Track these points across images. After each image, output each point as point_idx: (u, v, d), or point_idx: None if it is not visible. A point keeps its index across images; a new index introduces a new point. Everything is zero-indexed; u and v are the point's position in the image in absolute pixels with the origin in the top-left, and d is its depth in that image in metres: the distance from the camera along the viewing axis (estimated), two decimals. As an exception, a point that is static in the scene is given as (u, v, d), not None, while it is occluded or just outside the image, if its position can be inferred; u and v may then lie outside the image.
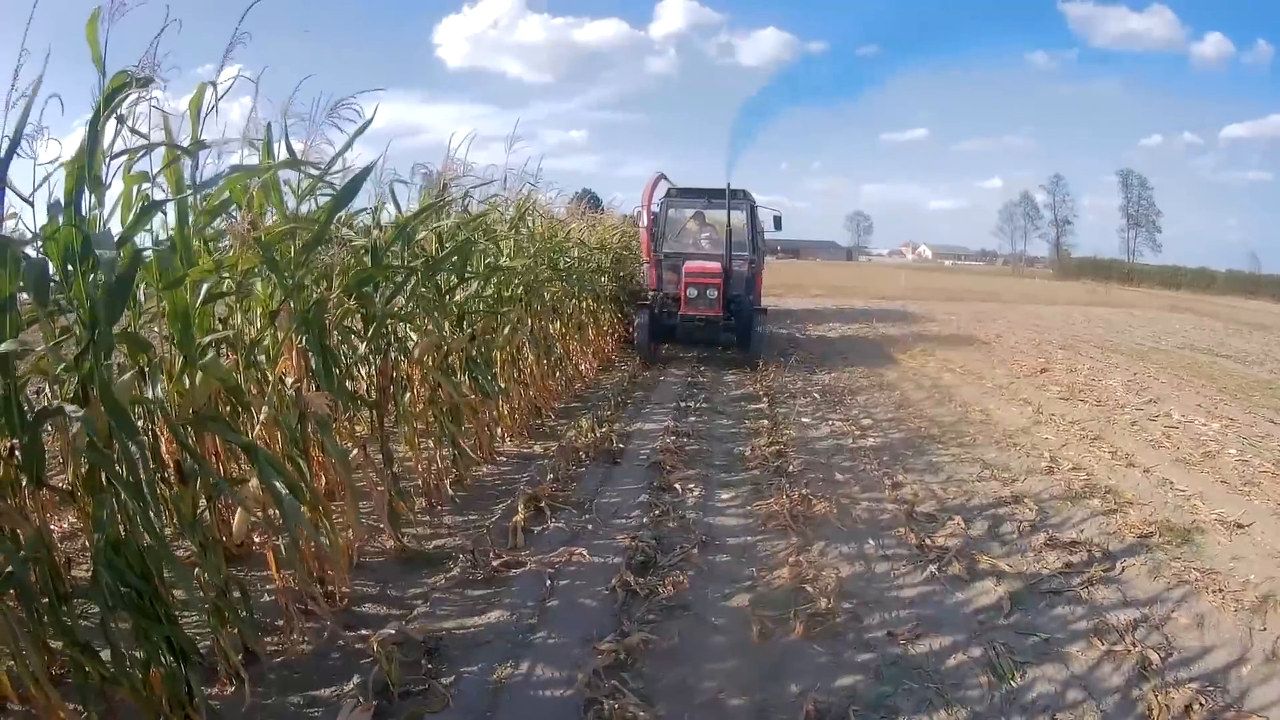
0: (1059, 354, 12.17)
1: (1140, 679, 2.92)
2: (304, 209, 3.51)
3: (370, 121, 3.35)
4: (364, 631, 3.06)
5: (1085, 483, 5.19)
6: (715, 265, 9.90)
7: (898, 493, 4.97)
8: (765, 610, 3.37)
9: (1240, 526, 4.43)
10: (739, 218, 10.52)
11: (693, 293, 9.77)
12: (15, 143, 2.13)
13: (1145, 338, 16.06)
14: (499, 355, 6.16)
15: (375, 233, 4.08)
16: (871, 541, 4.22)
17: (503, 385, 6.02)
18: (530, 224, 6.90)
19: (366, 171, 3.59)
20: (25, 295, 2.21)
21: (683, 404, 7.80)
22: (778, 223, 11.80)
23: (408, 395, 4.64)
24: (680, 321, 9.88)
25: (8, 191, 2.25)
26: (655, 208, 10.74)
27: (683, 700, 2.74)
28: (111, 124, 2.44)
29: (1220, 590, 3.61)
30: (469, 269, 5.25)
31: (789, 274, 36.88)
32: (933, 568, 3.86)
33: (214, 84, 2.80)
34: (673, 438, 6.17)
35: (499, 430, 5.94)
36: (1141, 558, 3.99)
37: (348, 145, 3.33)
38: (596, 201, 15.06)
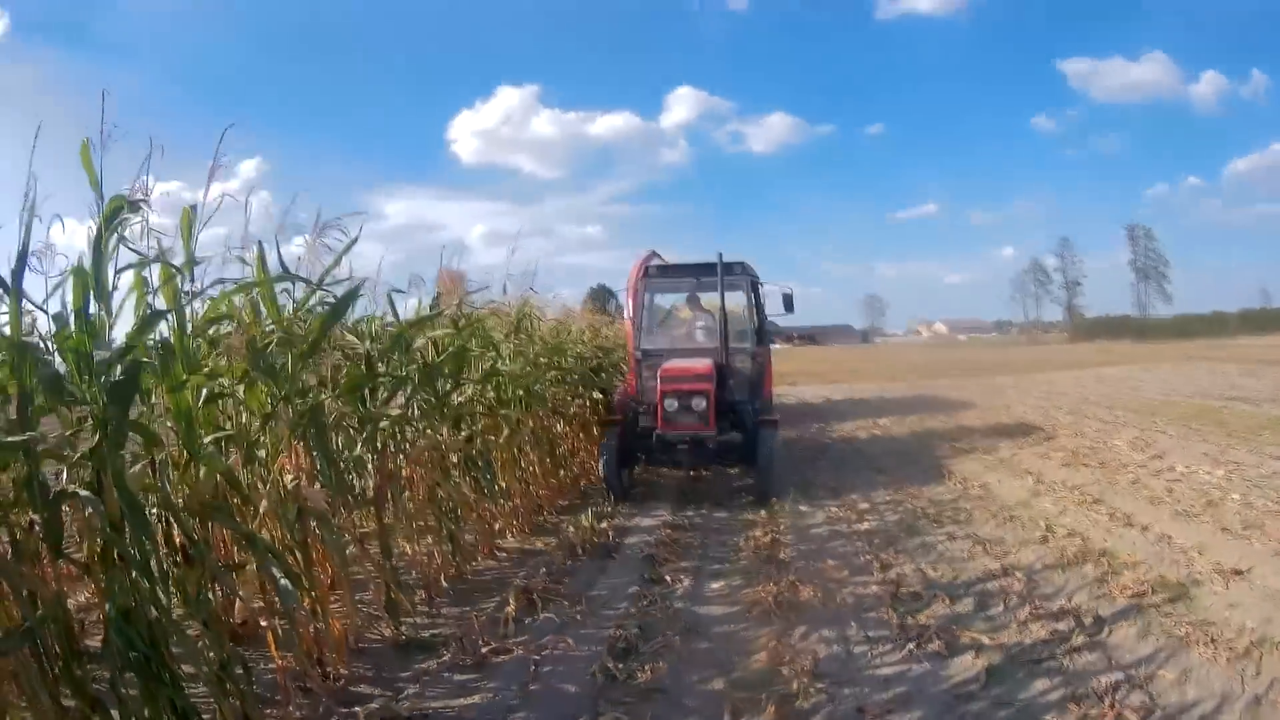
0: (1065, 419, 12.10)
1: None
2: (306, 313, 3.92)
3: (355, 240, 3.86)
4: (356, 709, 3.26)
5: (1080, 549, 5.22)
6: (704, 365, 7.54)
7: (885, 574, 5.07)
8: (740, 692, 3.49)
9: (1239, 573, 4.48)
10: (736, 299, 8.68)
11: (671, 404, 7.37)
12: (23, 258, 2.52)
13: (1157, 392, 16.11)
14: (500, 455, 6.44)
15: (368, 344, 4.45)
16: (854, 623, 4.30)
17: (503, 484, 6.29)
18: (529, 327, 7.34)
19: (355, 291, 4.05)
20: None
21: (684, 496, 8.06)
22: (788, 303, 9.10)
23: (406, 493, 4.90)
24: (655, 442, 7.52)
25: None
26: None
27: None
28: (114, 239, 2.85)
29: (1213, 641, 3.64)
30: (466, 374, 5.62)
31: (807, 360, 37.82)
32: (911, 645, 3.92)
33: (193, 207, 3.24)
34: (669, 531, 6.35)
35: (499, 526, 6.15)
36: (1132, 619, 4.02)
37: (336, 262, 3.82)
38: (610, 296, 15.21)
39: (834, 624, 4.30)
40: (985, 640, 3.92)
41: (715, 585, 5.08)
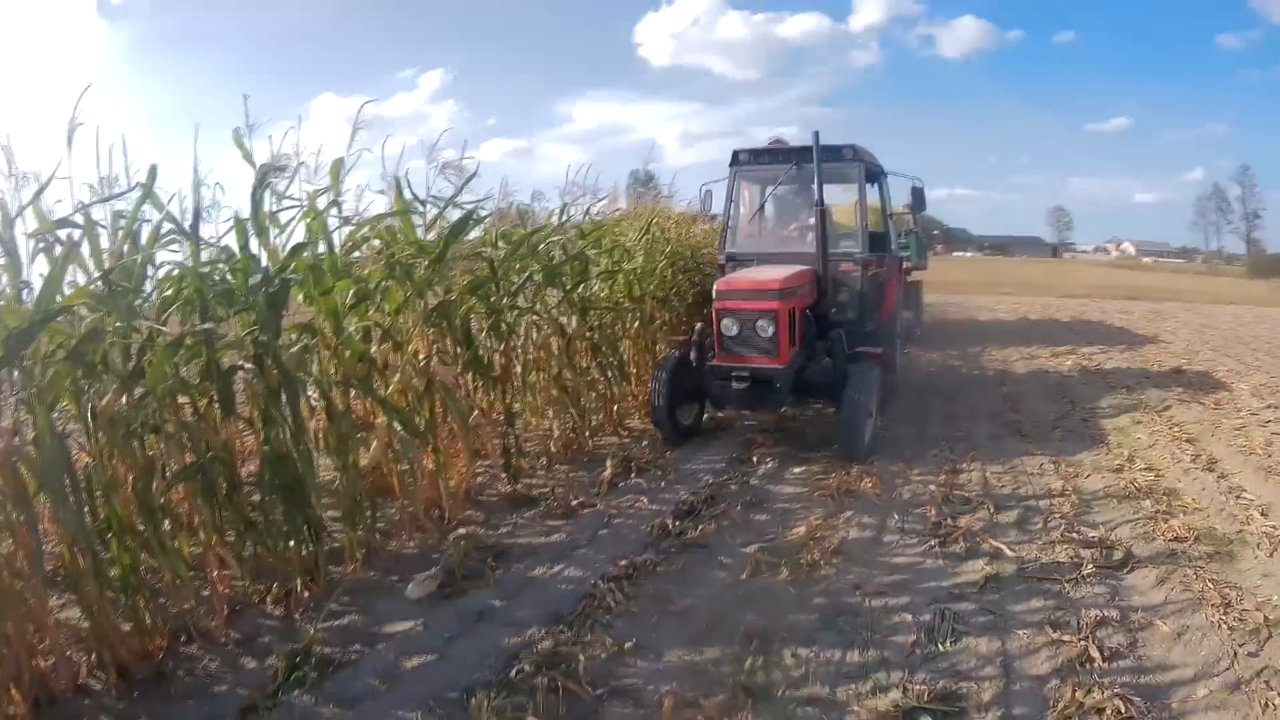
0: (1205, 354, 10.78)
1: (1067, 672, 2.92)
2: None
3: (475, 174, 4.56)
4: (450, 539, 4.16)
5: (1148, 484, 4.99)
6: (775, 276, 5.87)
7: (950, 477, 5.26)
8: (767, 556, 3.97)
9: (1292, 543, 4.05)
10: (842, 193, 7.35)
11: (729, 327, 5.83)
12: (197, 214, 3.41)
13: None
14: (632, 345, 7.12)
15: (490, 250, 5.20)
16: (895, 515, 4.56)
17: (633, 370, 7.00)
18: (656, 232, 7.71)
19: (469, 215, 4.83)
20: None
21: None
22: (918, 198, 7.52)
23: (531, 374, 5.73)
24: (708, 375, 5.97)
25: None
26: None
27: (658, 606, 3.53)
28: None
29: (1226, 606, 3.35)
30: (595, 272, 6.31)
31: (990, 270, 35.78)
32: (934, 542, 4.14)
33: (343, 158, 4.03)
34: (777, 419, 6.79)
35: (617, 408, 6.76)
36: (1159, 563, 3.83)
37: (457, 193, 4.57)
38: None
39: (878, 513, 4.63)
40: (1006, 551, 4.01)
41: (796, 470, 5.50)
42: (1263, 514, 4.36)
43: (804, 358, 5.97)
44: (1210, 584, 3.56)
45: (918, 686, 2.81)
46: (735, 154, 7.05)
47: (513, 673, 2.88)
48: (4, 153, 2.96)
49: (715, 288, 6.02)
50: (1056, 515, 4.50)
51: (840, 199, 7.73)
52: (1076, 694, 2.74)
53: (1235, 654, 3.00)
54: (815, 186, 6.17)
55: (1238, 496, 4.70)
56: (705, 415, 6.69)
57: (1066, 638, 3.14)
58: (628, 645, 3.12)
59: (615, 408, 6.65)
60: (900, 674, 2.93)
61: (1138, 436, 6.23)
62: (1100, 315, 16.99)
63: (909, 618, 3.38)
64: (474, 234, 5.31)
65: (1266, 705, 2.69)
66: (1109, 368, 9.68)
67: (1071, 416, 7.03)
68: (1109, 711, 2.63)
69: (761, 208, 7.46)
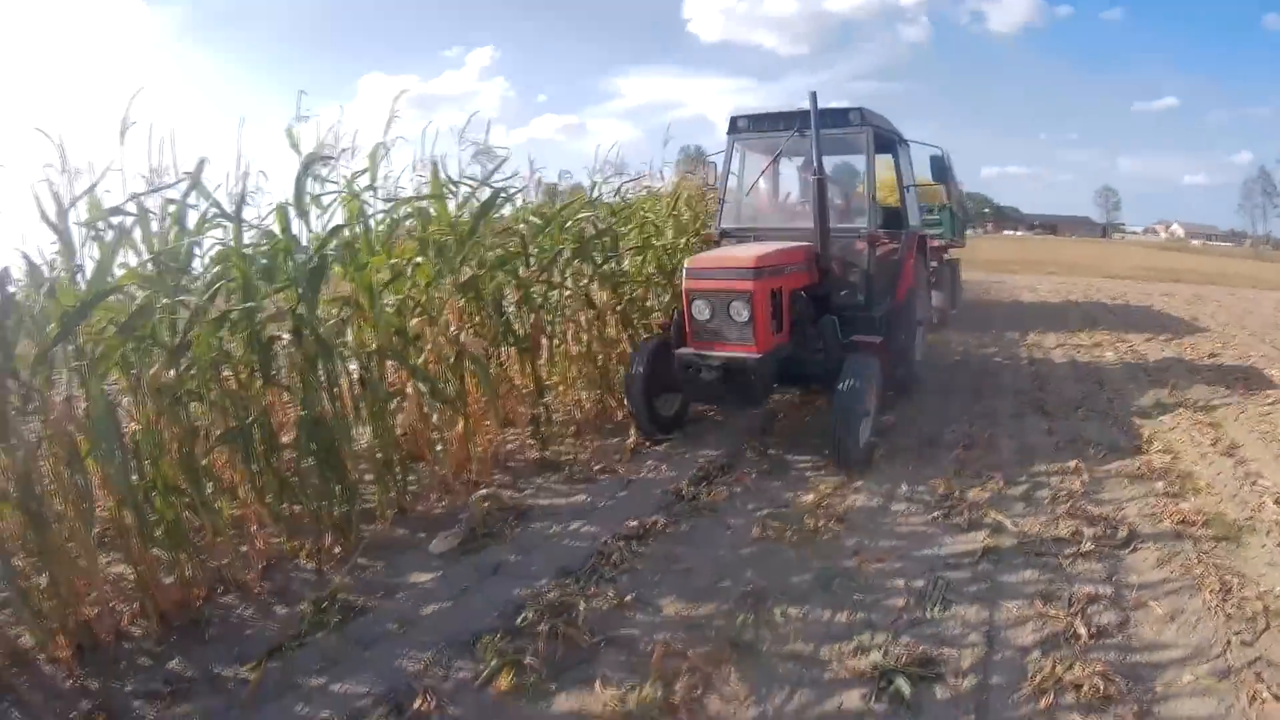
0: (1241, 339, 10.29)
1: (1051, 646, 2.92)
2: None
3: (506, 158, 4.70)
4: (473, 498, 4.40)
5: (1164, 466, 4.87)
6: (748, 255, 5.11)
7: (966, 451, 5.29)
8: (774, 521, 4.09)
9: (1303, 534, 3.90)
10: (844, 161, 6.68)
11: (700, 310, 5.15)
12: (240, 200, 3.66)
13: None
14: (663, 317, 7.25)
15: (520, 225, 5.38)
16: (905, 485, 4.66)
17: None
18: (684, 209, 7.72)
19: (496, 194, 5.05)
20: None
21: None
22: (939, 169, 6.74)
23: (561, 345, 5.93)
24: (677, 364, 5.26)
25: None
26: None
27: (663, 564, 3.71)
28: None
29: (1225, 592, 3.26)
30: (621, 247, 6.45)
31: (1039, 249, 35.38)
32: (938, 514, 4.21)
33: (384, 144, 4.25)
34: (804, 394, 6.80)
35: None
36: (1162, 544, 3.77)
37: (488, 176, 4.73)
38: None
39: (889, 483, 4.72)
40: (1008, 524, 4.02)
41: (816, 440, 5.52)
42: (1277, 502, 4.20)
43: (794, 346, 5.35)
44: (1213, 569, 3.46)
45: (898, 650, 2.88)
46: (733, 120, 6.25)
47: (518, 620, 3.10)
48: (58, 150, 3.22)
49: (685, 266, 5.28)
50: (1064, 492, 4.47)
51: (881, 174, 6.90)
52: (1057, 668, 2.73)
53: (1229, 642, 2.92)
54: (814, 153, 5.34)
55: (1254, 483, 4.55)
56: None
57: (1055, 612, 3.13)
58: (628, 598, 3.32)
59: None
60: (885, 637, 3.00)
61: (1160, 419, 6.06)
62: (1143, 298, 16.45)
63: (902, 584, 3.46)
64: (505, 211, 5.50)
65: (1255, 697, 2.59)
66: (1141, 349, 9.39)
67: (1097, 398, 6.87)
68: (1087, 688, 2.62)
69: (760, 178, 6.53)
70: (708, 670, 2.76)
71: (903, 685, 2.69)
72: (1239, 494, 4.40)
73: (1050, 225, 77.27)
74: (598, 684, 2.70)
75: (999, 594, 3.34)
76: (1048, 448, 5.40)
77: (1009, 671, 2.78)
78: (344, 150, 4.14)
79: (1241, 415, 5.99)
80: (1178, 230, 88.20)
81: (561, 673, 2.78)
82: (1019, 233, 73.47)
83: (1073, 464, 4.93)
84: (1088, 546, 3.73)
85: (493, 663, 2.80)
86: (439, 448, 4.58)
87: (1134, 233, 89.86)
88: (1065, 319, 12.63)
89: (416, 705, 2.57)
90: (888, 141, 6.30)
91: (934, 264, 10.65)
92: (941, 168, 6.63)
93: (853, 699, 2.66)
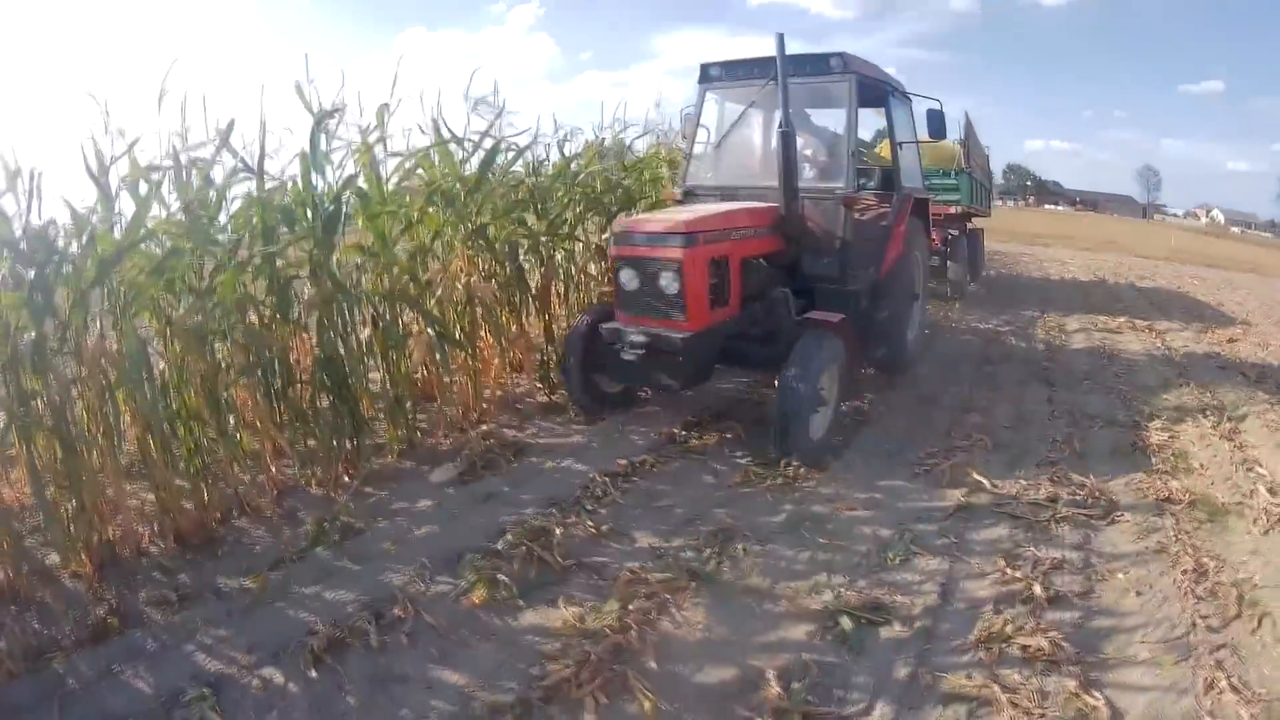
0: (1266, 327, 9.88)
1: (1005, 604, 2.94)
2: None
3: (503, 109, 4.91)
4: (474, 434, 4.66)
5: (1159, 443, 4.78)
6: (680, 219, 4.50)
7: (964, 415, 5.36)
8: (756, 467, 4.25)
9: (1290, 524, 3.70)
10: (803, 111, 5.70)
11: (628, 280, 4.59)
12: (261, 155, 3.84)
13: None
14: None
15: (529, 179, 5.52)
16: (893, 443, 4.76)
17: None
18: None
19: (496, 148, 5.14)
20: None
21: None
22: (935, 124, 5.58)
23: (573, 295, 6.10)
24: (603, 340, 4.73)
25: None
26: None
27: (644, 500, 3.92)
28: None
29: (1199, 574, 3.15)
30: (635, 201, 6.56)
31: (1072, 225, 34.89)
32: (921, 470, 4.31)
33: (387, 104, 4.39)
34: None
35: None
36: (1142, 517, 3.70)
37: (491, 126, 4.99)
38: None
39: (879, 438, 4.84)
40: (987, 485, 4.07)
41: None
42: (1270, 491, 3.96)
43: (745, 322, 4.80)
44: (1190, 549, 3.36)
45: (851, 593, 3.00)
46: (704, 68, 5.60)
47: (499, 543, 3.34)
48: (102, 113, 3.41)
49: (612, 229, 4.69)
50: (1050, 460, 4.48)
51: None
52: (1007, 626, 2.74)
53: (1194, 625, 2.82)
54: (780, 103, 4.60)
55: (1250, 469, 4.34)
56: None
57: (1016, 573, 3.14)
58: (605, 529, 3.55)
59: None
60: (842, 580, 3.12)
61: (1165, 398, 5.89)
62: (1174, 279, 16.02)
63: (869, 531, 3.56)
64: (517, 167, 5.63)
65: (1210, 685, 2.47)
66: (1162, 328, 9.15)
67: (1106, 370, 6.81)
68: (1032, 647, 2.62)
69: (730, 132, 5.79)
70: (666, 596, 2.96)
71: (847, 624, 2.79)
72: (1232, 477, 4.24)
73: (1091, 201, 77.00)
74: (561, 602, 2.93)
75: (964, 550, 3.39)
76: (1043, 416, 5.41)
77: (958, 623, 2.84)
78: (344, 107, 4.26)
79: (1250, 401, 5.82)
80: (1218, 215, 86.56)
81: (531, 591, 3.01)
82: (1060, 207, 72.06)
83: (1065, 433, 4.93)
84: (1064, 512, 3.73)
85: (470, 579, 3.05)
86: (449, 388, 4.81)
87: (1174, 215, 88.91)
88: (1089, 296, 12.39)
89: (395, 612, 2.83)
90: (877, 92, 5.64)
91: (953, 233, 10.40)
92: (938, 122, 5.68)
93: (798, 634, 2.79)
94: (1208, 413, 5.44)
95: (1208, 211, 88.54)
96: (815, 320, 4.60)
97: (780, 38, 4.68)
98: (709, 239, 4.48)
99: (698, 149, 5.84)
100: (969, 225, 11.03)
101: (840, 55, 5.12)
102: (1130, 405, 5.66)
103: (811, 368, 4.28)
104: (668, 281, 4.39)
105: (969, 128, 10.56)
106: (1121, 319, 9.67)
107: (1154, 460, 4.50)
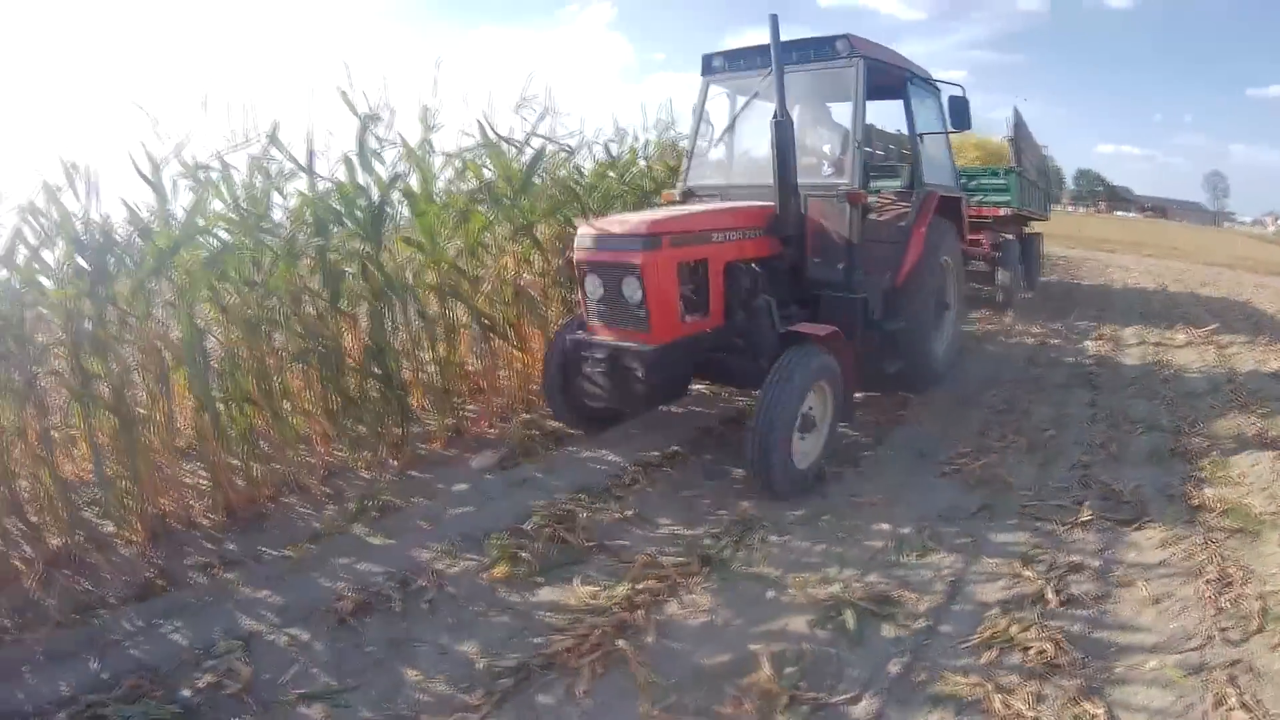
0: None
1: (1013, 606, 2.85)
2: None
3: (549, 111, 5.09)
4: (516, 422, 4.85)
5: (1199, 450, 4.54)
6: (644, 220, 4.05)
7: (1002, 417, 5.28)
8: None
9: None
10: (819, 103, 5.45)
11: (593, 288, 4.16)
12: (310, 155, 4.10)
13: None
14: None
15: (572, 179, 5.71)
16: (925, 442, 4.74)
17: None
18: None
19: (542, 152, 5.33)
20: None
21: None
22: (959, 112, 5.31)
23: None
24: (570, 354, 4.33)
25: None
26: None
27: (671, 489, 4.03)
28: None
29: (1225, 585, 2.99)
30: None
31: (1140, 231, 34.84)
32: (948, 468, 4.28)
33: (429, 107, 4.64)
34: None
35: None
36: (1169, 525, 3.53)
37: (533, 131, 5.16)
38: None
39: (912, 436, 4.85)
40: (1013, 486, 4.00)
41: (856, 396, 5.49)
42: None
43: (726, 333, 4.33)
44: (1217, 559, 3.17)
45: (860, 586, 2.98)
46: (706, 59, 5.24)
47: (526, 523, 3.51)
48: (152, 123, 3.65)
49: (577, 231, 4.27)
50: (1085, 463, 4.36)
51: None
52: (1011, 628, 2.66)
53: (1212, 637, 2.66)
54: (777, 90, 4.23)
55: None
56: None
57: (1030, 575, 3.05)
58: (629, 514, 3.69)
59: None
60: (852, 573, 3.11)
61: (1212, 405, 5.59)
62: (1235, 287, 15.01)
63: (888, 528, 3.52)
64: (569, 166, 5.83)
65: (1220, 701, 2.33)
66: (1217, 335, 8.60)
67: (1154, 376, 6.49)
68: (1034, 650, 2.54)
69: (731, 127, 5.45)
70: (677, 580, 3.06)
71: (849, 617, 2.77)
72: (1270, 488, 3.96)
73: (1160, 208, 75.25)
74: (578, 580, 3.08)
75: (980, 550, 3.32)
76: (1083, 420, 5.24)
77: (961, 622, 2.77)
78: (391, 111, 4.46)
79: (1288, 404, 5.49)
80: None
81: (552, 569, 3.17)
82: (1130, 214, 69.75)
83: (1103, 438, 4.79)
84: (1089, 516, 3.61)
85: (494, 555, 3.23)
86: (496, 380, 5.02)
87: (1243, 223, 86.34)
88: (1148, 302, 11.81)
89: (420, 582, 3.03)
90: (892, 80, 5.16)
91: (1006, 237, 9.61)
92: (961, 111, 5.18)
93: (799, 623, 2.79)
94: (1254, 422, 5.15)
95: (1275, 219, 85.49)
96: (800, 333, 4.08)
97: (774, 19, 4.25)
98: (678, 241, 4.03)
99: (700, 145, 5.51)
100: (1024, 229, 10.32)
101: (846, 37, 4.71)
102: (1175, 411, 5.41)
103: (792, 386, 3.79)
104: (630, 289, 3.96)
105: (1019, 124, 9.86)
106: (1178, 325, 9.23)
107: (1191, 467, 4.30)
